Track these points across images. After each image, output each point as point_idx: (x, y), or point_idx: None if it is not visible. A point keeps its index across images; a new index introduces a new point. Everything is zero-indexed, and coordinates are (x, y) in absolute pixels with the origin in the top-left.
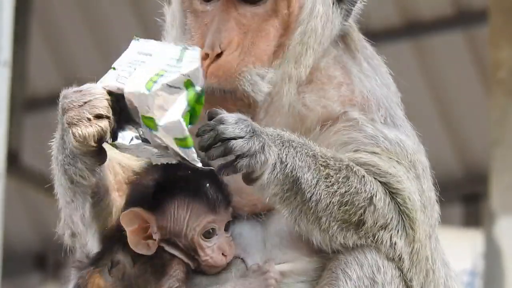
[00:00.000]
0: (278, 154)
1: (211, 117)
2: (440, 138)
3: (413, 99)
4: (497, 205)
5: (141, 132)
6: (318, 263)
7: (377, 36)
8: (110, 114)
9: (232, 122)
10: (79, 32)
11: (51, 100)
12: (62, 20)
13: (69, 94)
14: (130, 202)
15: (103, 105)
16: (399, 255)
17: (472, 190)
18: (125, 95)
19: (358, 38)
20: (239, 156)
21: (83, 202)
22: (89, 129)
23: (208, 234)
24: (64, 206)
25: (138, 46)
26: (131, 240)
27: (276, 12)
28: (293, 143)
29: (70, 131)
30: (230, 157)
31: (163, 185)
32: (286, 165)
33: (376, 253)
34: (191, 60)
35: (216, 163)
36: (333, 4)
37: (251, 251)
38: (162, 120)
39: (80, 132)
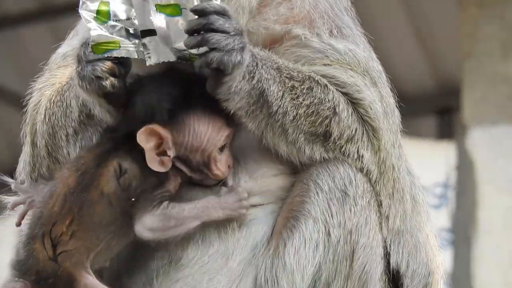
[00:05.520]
0: (247, 64)
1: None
2: (412, 51)
3: (385, 13)
4: (469, 117)
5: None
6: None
7: None
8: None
9: (227, 15)
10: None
11: None
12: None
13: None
14: (144, 117)
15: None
16: (366, 167)
17: (444, 103)
18: None
19: None
20: (214, 50)
21: (91, 134)
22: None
23: (223, 148)
24: (54, 137)
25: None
26: (148, 157)
27: None
28: (258, 55)
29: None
30: (204, 49)
31: (178, 100)
32: (253, 76)
33: (348, 166)
34: None
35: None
36: None
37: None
38: None
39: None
